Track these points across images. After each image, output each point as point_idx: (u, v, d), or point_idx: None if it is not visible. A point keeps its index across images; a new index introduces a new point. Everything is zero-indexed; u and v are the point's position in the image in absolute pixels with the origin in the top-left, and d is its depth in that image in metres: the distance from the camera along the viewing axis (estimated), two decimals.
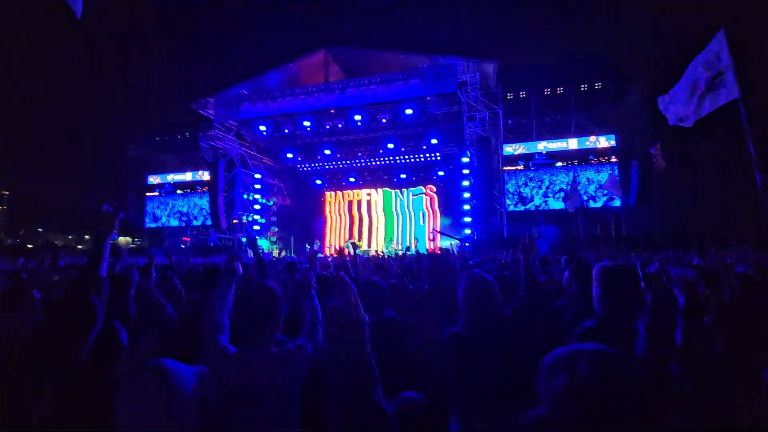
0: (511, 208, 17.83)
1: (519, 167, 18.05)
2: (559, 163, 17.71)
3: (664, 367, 1.30)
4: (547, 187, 17.63)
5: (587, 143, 17.56)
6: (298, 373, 1.52)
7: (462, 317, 1.86)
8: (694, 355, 1.27)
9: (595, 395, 0.77)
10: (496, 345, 1.73)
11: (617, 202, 16.62)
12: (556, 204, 17.19)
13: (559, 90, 17.84)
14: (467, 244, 15.86)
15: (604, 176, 16.52)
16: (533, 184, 17.83)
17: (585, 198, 16.46)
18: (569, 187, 14.49)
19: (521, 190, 17.91)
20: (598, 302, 1.81)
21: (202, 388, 1.05)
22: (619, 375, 0.79)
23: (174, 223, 22.82)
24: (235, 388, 1.47)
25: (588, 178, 17.21)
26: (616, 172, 16.28)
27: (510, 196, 17.89)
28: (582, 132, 17.79)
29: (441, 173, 20.31)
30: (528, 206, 17.72)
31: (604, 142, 17.37)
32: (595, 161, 17.32)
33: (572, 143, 17.77)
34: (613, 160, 17.13)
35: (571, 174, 16.40)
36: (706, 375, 1.25)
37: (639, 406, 0.79)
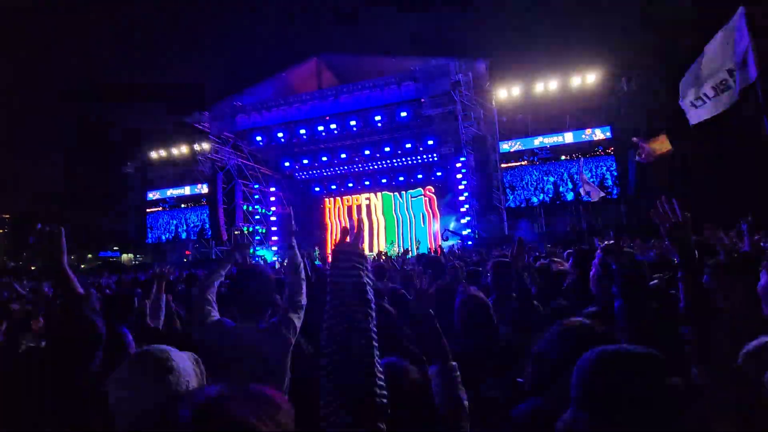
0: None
1: (523, 163, 18.05)
2: (564, 157, 17.69)
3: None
4: (570, 179, 17.38)
5: (583, 136, 17.59)
6: (286, 343, 1.60)
7: (458, 331, 1.88)
8: (697, 312, 1.29)
9: (636, 400, 0.75)
10: (489, 362, 1.74)
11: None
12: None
13: (552, 84, 17.88)
14: (470, 243, 15.88)
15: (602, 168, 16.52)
16: (552, 178, 17.63)
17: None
18: (580, 179, 14.39)
19: (543, 186, 17.70)
20: (594, 282, 1.83)
21: (199, 371, 1.07)
22: (659, 380, 0.77)
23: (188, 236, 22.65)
24: (229, 359, 1.56)
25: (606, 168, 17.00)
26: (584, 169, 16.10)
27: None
28: (577, 125, 17.81)
29: (439, 174, 20.34)
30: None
31: (599, 134, 17.40)
32: (601, 152, 17.30)
33: (568, 137, 17.80)
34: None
35: (583, 166, 16.32)
36: (712, 330, 1.27)
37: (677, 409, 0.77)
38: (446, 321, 2.50)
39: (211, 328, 1.64)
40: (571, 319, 1.26)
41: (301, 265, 1.78)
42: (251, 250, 19.80)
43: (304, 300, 1.72)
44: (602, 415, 0.78)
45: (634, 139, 6.94)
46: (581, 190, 13.97)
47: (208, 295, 1.77)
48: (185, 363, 1.03)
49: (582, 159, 15.32)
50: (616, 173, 16.96)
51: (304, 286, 1.73)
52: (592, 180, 15.66)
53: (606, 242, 1.71)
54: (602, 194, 13.11)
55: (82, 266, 29.15)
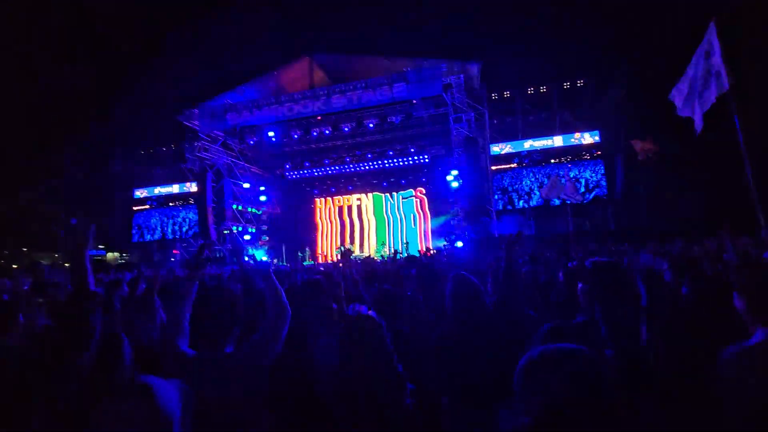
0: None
1: (513, 165, 18.19)
2: (553, 160, 17.87)
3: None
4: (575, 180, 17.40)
5: (572, 140, 17.82)
6: (259, 368, 1.53)
7: (449, 314, 1.92)
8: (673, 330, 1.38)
9: (572, 406, 0.81)
10: (481, 342, 1.78)
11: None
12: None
13: (543, 88, 18.07)
14: (461, 244, 15.94)
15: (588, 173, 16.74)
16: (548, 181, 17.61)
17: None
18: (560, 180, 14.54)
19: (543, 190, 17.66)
20: (583, 296, 1.85)
21: (185, 404, 1.04)
22: (593, 379, 0.84)
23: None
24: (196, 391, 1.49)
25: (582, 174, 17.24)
26: (571, 174, 16.23)
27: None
28: (566, 129, 18.04)
29: (430, 175, 20.41)
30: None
31: (588, 138, 17.65)
32: (588, 157, 17.53)
33: (557, 141, 18.01)
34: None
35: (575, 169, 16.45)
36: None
37: (615, 409, 0.84)
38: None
39: (180, 361, 1.54)
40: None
41: (281, 293, 1.68)
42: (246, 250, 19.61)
43: (283, 329, 1.61)
44: (536, 405, 0.89)
45: (633, 142, 7.19)
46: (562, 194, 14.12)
47: (182, 321, 1.63)
48: (171, 401, 1.01)
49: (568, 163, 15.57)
50: (604, 177, 17.20)
51: (286, 315, 1.63)
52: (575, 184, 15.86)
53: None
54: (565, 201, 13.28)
55: (66, 264, 28.53)
